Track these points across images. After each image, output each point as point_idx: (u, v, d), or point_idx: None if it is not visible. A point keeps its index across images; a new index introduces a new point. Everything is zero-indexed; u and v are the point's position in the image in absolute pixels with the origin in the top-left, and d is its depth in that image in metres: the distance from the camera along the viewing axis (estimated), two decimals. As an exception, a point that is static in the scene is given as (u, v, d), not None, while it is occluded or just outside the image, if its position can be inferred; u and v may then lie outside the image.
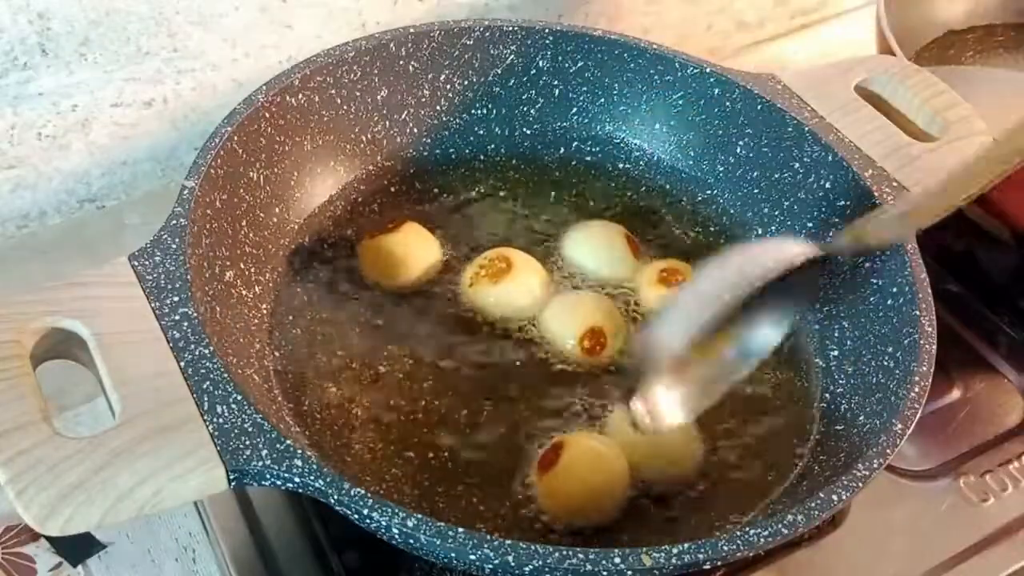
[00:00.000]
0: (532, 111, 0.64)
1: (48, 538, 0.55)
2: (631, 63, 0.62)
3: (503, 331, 0.54)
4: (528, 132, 0.65)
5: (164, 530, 0.56)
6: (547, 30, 0.62)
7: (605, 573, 0.37)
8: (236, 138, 0.52)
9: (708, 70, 0.61)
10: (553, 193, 0.62)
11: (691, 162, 0.64)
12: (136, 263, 0.45)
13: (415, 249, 0.57)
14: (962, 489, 0.55)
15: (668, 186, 0.64)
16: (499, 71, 0.63)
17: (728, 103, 0.61)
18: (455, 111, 0.63)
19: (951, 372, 0.61)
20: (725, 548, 0.38)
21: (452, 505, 0.47)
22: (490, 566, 0.38)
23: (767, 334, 0.49)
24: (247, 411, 0.40)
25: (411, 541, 0.38)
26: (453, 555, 0.38)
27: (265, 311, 0.53)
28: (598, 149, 0.65)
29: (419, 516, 0.38)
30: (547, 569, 0.37)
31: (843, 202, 0.56)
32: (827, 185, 0.57)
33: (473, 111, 0.63)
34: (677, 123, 0.64)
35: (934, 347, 0.47)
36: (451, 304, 0.55)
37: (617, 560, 0.37)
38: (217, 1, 0.64)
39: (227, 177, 0.51)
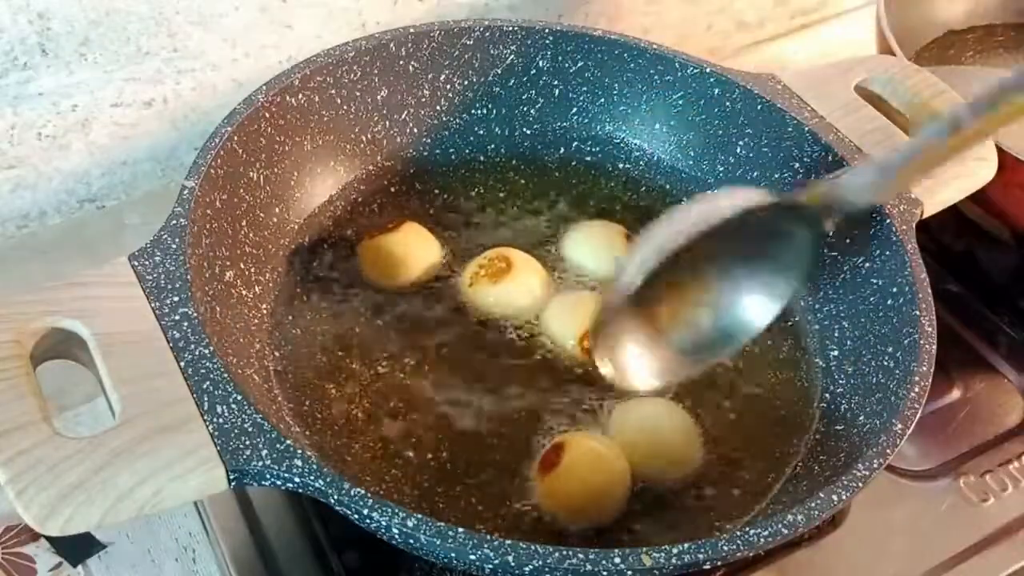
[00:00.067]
0: (532, 111, 0.64)
1: (48, 538, 0.55)
2: (631, 63, 0.62)
3: (503, 331, 0.54)
4: (528, 132, 0.65)
5: (164, 530, 0.56)
6: (547, 30, 0.62)
7: (605, 573, 0.37)
8: (236, 138, 0.52)
9: (708, 70, 0.61)
10: (553, 193, 0.62)
11: (691, 162, 0.64)
12: (136, 263, 0.45)
13: (415, 249, 0.57)
14: (962, 489, 0.55)
15: (668, 186, 0.64)
16: (499, 71, 0.63)
17: (728, 103, 0.61)
18: (455, 111, 0.63)
19: (951, 372, 0.61)
20: (725, 548, 0.38)
21: (452, 505, 0.47)
22: (490, 566, 0.38)
23: (753, 311, 0.49)
24: (247, 411, 0.40)
25: (411, 541, 0.38)
26: (453, 555, 0.38)
27: (265, 311, 0.53)
28: (598, 149, 0.65)
29: (419, 516, 0.38)
30: (547, 569, 0.37)
31: (843, 202, 0.55)
32: (827, 185, 0.57)
33: (473, 111, 0.63)
34: (677, 123, 0.64)
35: (934, 347, 0.47)
36: (451, 304, 0.55)
37: (617, 560, 0.37)
38: (217, 1, 0.64)
39: (227, 177, 0.51)
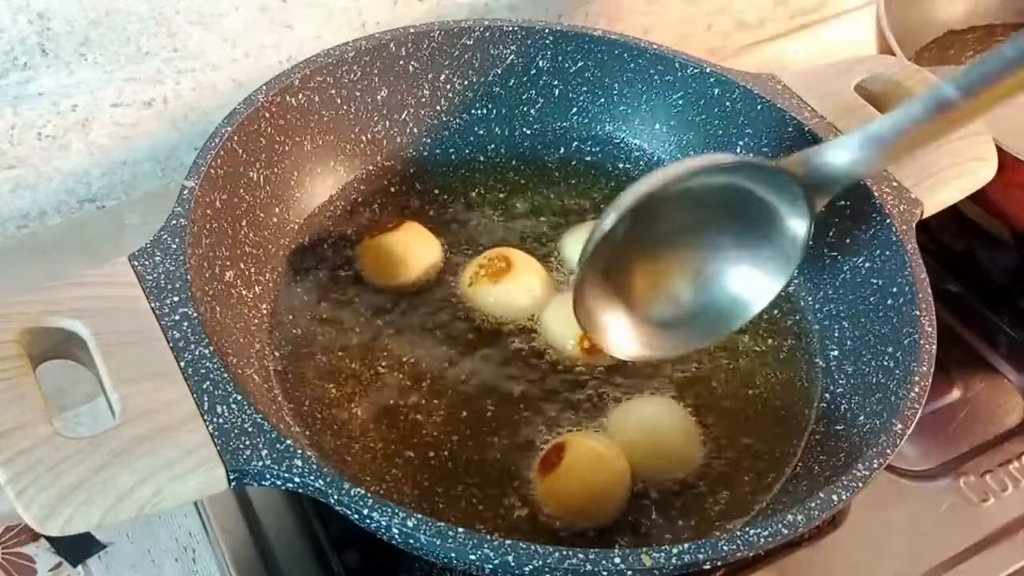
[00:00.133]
0: (532, 111, 0.64)
1: (48, 538, 0.55)
2: (631, 63, 0.62)
3: (503, 331, 0.54)
4: (528, 132, 0.65)
5: (164, 530, 0.56)
6: (547, 30, 0.62)
7: (605, 573, 0.37)
8: (236, 138, 0.52)
9: (708, 70, 0.61)
10: (553, 193, 0.63)
11: (691, 162, 0.64)
12: (136, 263, 0.45)
13: (415, 249, 0.57)
14: (962, 489, 0.55)
15: (668, 186, 0.63)
16: (499, 71, 0.63)
17: (728, 103, 0.61)
18: (455, 111, 0.63)
19: (951, 372, 0.61)
20: (725, 548, 0.38)
21: (452, 505, 0.47)
22: (490, 566, 0.38)
23: (747, 294, 0.49)
24: (247, 411, 0.40)
25: (411, 541, 0.38)
26: (453, 555, 0.38)
27: (265, 311, 0.53)
28: (598, 149, 0.65)
29: (419, 516, 0.38)
30: (547, 569, 0.37)
31: (843, 202, 0.55)
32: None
33: (473, 111, 0.63)
34: (677, 123, 0.64)
35: (934, 347, 0.47)
36: (451, 304, 0.55)
37: (617, 560, 0.37)
38: (217, 1, 0.64)
39: (227, 177, 0.51)
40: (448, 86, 0.62)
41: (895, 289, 0.51)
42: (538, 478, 0.48)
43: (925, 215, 0.54)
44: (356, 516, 0.39)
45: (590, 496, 0.47)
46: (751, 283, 0.50)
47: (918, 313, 0.49)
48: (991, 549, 0.53)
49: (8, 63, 0.61)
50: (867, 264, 0.54)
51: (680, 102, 0.63)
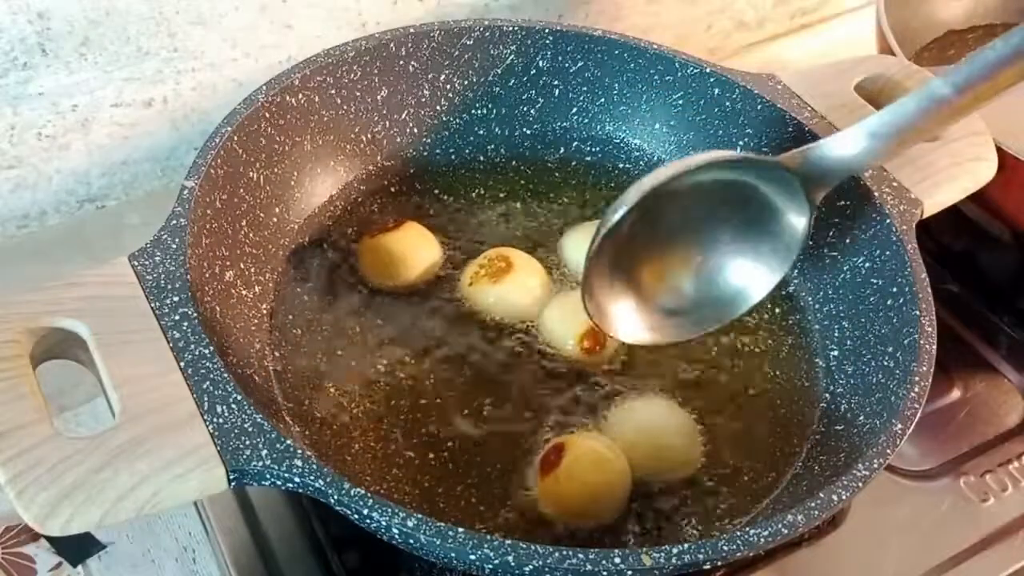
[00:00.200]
0: (532, 111, 0.64)
1: (48, 538, 0.55)
2: (631, 63, 0.62)
3: (503, 331, 0.54)
4: (528, 132, 0.65)
5: (164, 530, 0.56)
6: (547, 30, 0.62)
7: (605, 573, 0.37)
8: (236, 138, 0.52)
9: (708, 70, 0.61)
10: (553, 193, 0.63)
11: (691, 162, 0.64)
12: (136, 263, 0.45)
13: (415, 249, 0.57)
14: (962, 489, 0.55)
15: (668, 186, 0.64)
16: (499, 71, 0.63)
17: (728, 103, 0.61)
18: (455, 111, 0.63)
19: (951, 372, 0.61)
20: (725, 548, 0.38)
21: (452, 505, 0.47)
22: (490, 566, 0.38)
23: (747, 284, 0.50)
24: (247, 411, 0.40)
25: (411, 541, 0.38)
26: (453, 555, 0.38)
27: (265, 311, 0.53)
28: (598, 149, 0.65)
29: (419, 516, 0.38)
30: (547, 569, 0.37)
31: (843, 202, 0.56)
32: (827, 185, 0.57)
33: (473, 111, 0.63)
34: (677, 123, 0.64)
35: (934, 347, 0.47)
36: (451, 304, 0.55)
37: (617, 560, 0.37)
38: (217, 1, 0.64)
39: (227, 177, 0.51)
40: (448, 86, 0.62)
41: (895, 289, 0.51)
42: (538, 478, 0.48)
43: (925, 215, 0.54)
44: (356, 516, 0.39)
45: (590, 496, 0.47)
46: (753, 274, 0.50)
47: (918, 313, 0.49)
48: (991, 549, 0.53)
49: (8, 63, 0.61)
50: (867, 264, 0.54)
51: (680, 102, 0.63)
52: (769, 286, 0.50)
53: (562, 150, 0.65)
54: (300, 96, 0.56)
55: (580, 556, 0.37)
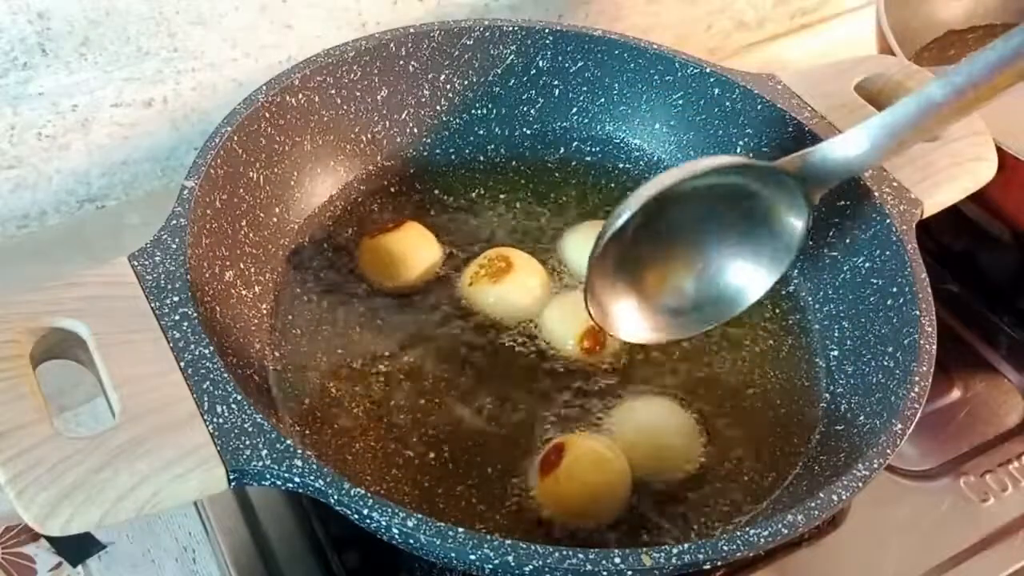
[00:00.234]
0: (532, 111, 0.64)
1: (48, 538, 0.55)
2: (631, 63, 0.62)
3: (503, 331, 0.54)
4: (528, 132, 0.65)
5: (164, 530, 0.56)
6: (547, 30, 0.62)
7: (605, 573, 0.37)
8: (236, 138, 0.52)
9: (708, 70, 0.61)
10: (553, 193, 0.63)
11: (691, 162, 0.64)
12: (136, 263, 0.45)
13: (415, 249, 0.57)
14: (962, 489, 0.55)
15: (668, 186, 0.64)
16: (499, 71, 0.63)
17: (728, 103, 0.61)
18: (455, 111, 0.63)
19: (951, 372, 0.61)
20: (725, 548, 0.38)
21: (452, 505, 0.47)
22: (490, 566, 0.38)
23: (746, 284, 0.50)
24: (247, 411, 0.40)
25: (411, 541, 0.38)
26: (453, 555, 0.38)
27: (265, 311, 0.53)
28: (598, 149, 0.65)
29: (419, 516, 0.38)
30: (547, 569, 0.37)
31: (843, 202, 0.56)
32: (827, 185, 0.57)
33: (473, 111, 0.63)
34: (677, 123, 0.64)
35: (934, 347, 0.47)
36: (451, 304, 0.55)
37: (617, 560, 0.37)
38: (217, 1, 0.64)
39: (227, 177, 0.51)
40: (448, 86, 0.62)
41: (895, 289, 0.51)
42: (538, 478, 0.48)
43: (925, 215, 0.54)
44: (356, 516, 0.39)
45: (590, 496, 0.47)
46: (753, 272, 0.51)
47: (918, 313, 0.49)
48: (991, 549, 0.53)
49: (8, 63, 0.61)
50: (867, 264, 0.54)
51: (680, 102, 0.63)
52: (768, 284, 0.51)
53: (562, 150, 0.65)
54: (300, 96, 0.56)
55: (580, 556, 0.37)
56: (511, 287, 0.55)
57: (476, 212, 0.61)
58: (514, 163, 0.64)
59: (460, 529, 0.38)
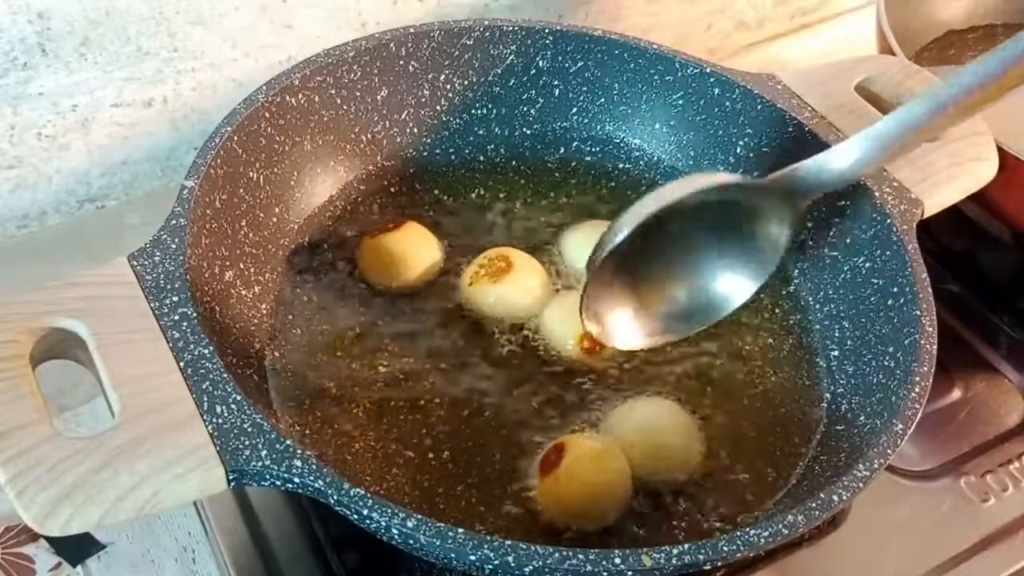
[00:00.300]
0: (532, 111, 0.64)
1: (48, 538, 0.55)
2: (631, 63, 0.62)
3: (503, 331, 0.54)
4: (528, 132, 0.65)
5: (164, 530, 0.56)
6: (547, 30, 0.62)
7: (605, 573, 0.37)
8: (236, 138, 0.52)
9: (708, 70, 0.61)
10: (553, 193, 0.62)
11: (691, 162, 0.64)
12: (136, 263, 0.45)
13: (415, 249, 0.57)
14: (962, 489, 0.55)
15: (668, 186, 0.64)
16: (499, 71, 0.63)
17: (728, 103, 0.61)
18: (455, 111, 0.63)
19: (951, 372, 0.61)
20: (725, 548, 0.38)
21: (452, 505, 0.47)
22: (490, 566, 0.38)
23: (731, 289, 0.51)
24: (247, 411, 0.40)
25: (411, 541, 0.38)
26: (453, 555, 0.38)
27: (265, 311, 0.53)
28: (598, 149, 0.65)
29: (419, 516, 0.38)
30: (547, 569, 0.37)
31: (843, 202, 0.56)
32: (827, 185, 0.57)
33: (473, 111, 0.63)
34: (677, 123, 0.64)
35: (934, 347, 0.47)
36: (451, 304, 0.55)
37: (617, 560, 0.37)
38: (217, 1, 0.64)
39: (227, 177, 0.51)
40: (448, 86, 0.62)
41: (895, 289, 0.51)
42: (538, 478, 0.48)
43: (925, 215, 0.54)
44: (356, 516, 0.39)
45: (590, 496, 0.47)
46: (741, 277, 0.51)
47: (918, 313, 0.49)
48: (991, 549, 0.53)
49: (8, 63, 0.61)
50: (867, 264, 0.54)
51: (680, 102, 0.63)
52: (756, 287, 0.51)
53: (562, 150, 0.65)
54: (300, 96, 0.56)
55: (580, 556, 0.37)
56: (511, 287, 0.55)
57: (476, 212, 0.61)
58: (514, 163, 0.64)
59: (460, 529, 0.38)
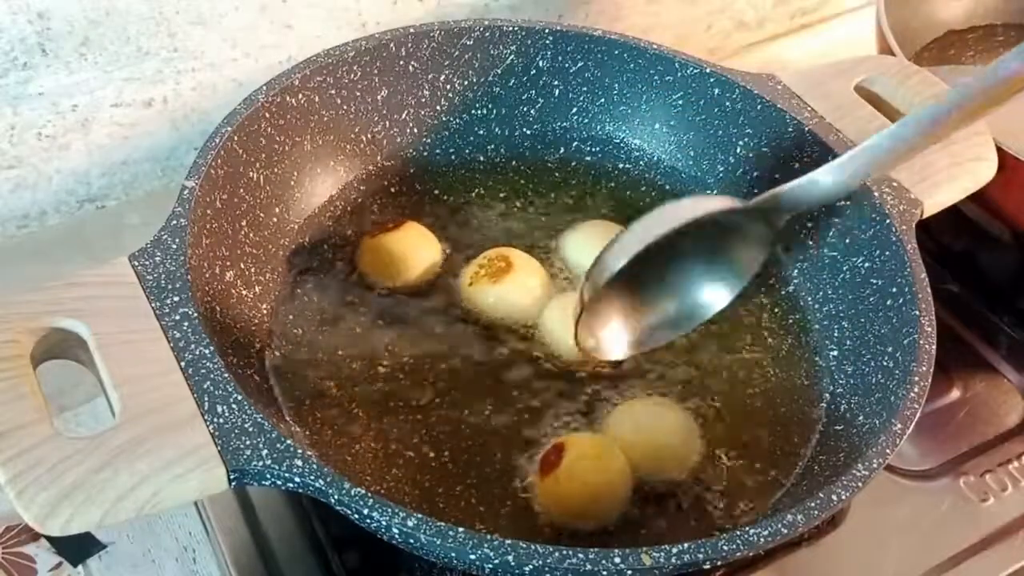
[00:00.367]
0: (532, 111, 0.64)
1: (48, 538, 0.55)
2: (631, 63, 0.62)
3: (503, 331, 0.54)
4: (528, 132, 0.65)
5: (164, 530, 0.56)
6: (547, 30, 0.62)
7: (605, 573, 0.37)
8: (236, 138, 0.52)
9: (708, 70, 0.61)
10: (553, 193, 0.63)
11: (691, 162, 0.64)
12: (136, 263, 0.45)
13: (415, 249, 0.57)
14: (962, 489, 0.55)
15: (668, 186, 0.64)
16: (499, 71, 0.63)
17: (728, 103, 0.61)
18: (455, 111, 0.63)
19: (951, 372, 0.61)
20: (725, 548, 0.38)
21: (452, 505, 0.47)
22: (490, 566, 0.38)
23: (713, 298, 0.52)
24: (247, 411, 0.40)
25: (411, 541, 0.38)
26: (453, 555, 0.38)
27: (265, 311, 0.53)
28: (598, 149, 0.65)
29: (419, 516, 0.38)
30: (547, 569, 0.37)
31: (843, 202, 0.56)
32: (827, 185, 0.57)
33: (473, 111, 0.63)
34: (677, 123, 0.64)
35: (934, 347, 0.47)
36: (451, 304, 0.55)
37: (617, 560, 0.37)
38: (217, 1, 0.64)
39: (227, 177, 0.51)
40: (448, 86, 0.62)
41: (895, 289, 0.51)
42: (538, 478, 0.48)
43: (925, 215, 0.54)
44: (356, 516, 0.39)
45: (590, 496, 0.47)
46: (721, 284, 0.52)
47: (918, 313, 0.49)
48: (991, 549, 0.53)
49: (8, 63, 0.61)
50: (867, 264, 0.54)
51: (680, 102, 0.63)
52: (735, 293, 0.52)
53: (562, 150, 0.65)
54: (300, 96, 0.56)
55: (580, 556, 0.37)
56: (511, 287, 0.55)
57: (476, 212, 0.61)
58: (514, 163, 0.64)
59: (460, 529, 0.38)
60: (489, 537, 0.38)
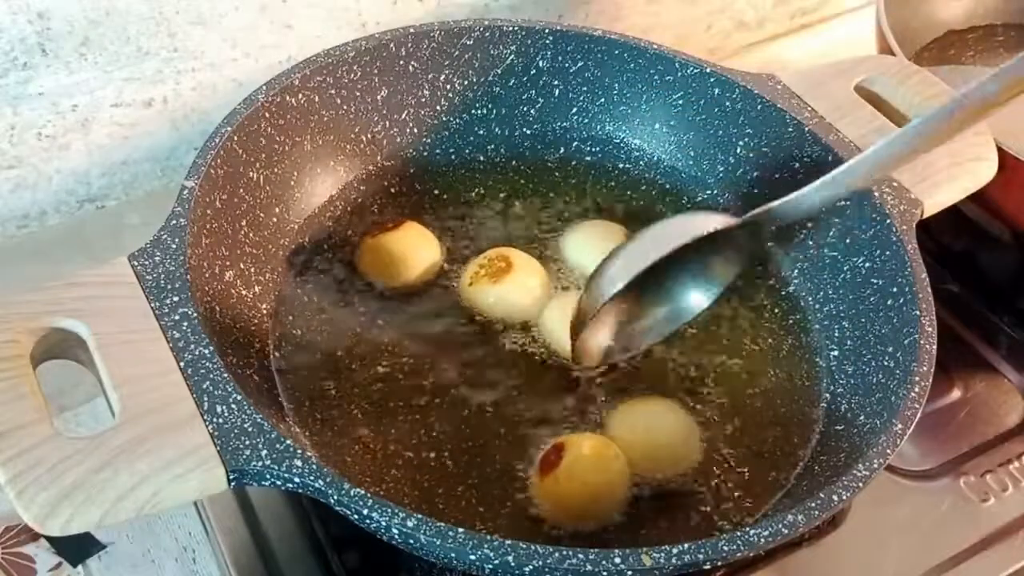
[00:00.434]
0: (532, 111, 0.64)
1: (48, 538, 0.55)
2: (631, 63, 0.62)
3: (503, 331, 0.54)
4: (528, 132, 0.65)
5: (164, 530, 0.56)
6: (547, 30, 0.62)
7: (605, 573, 0.37)
8: (236, 138, 0.52)
9: (708, 70, 0.61)
10: (553, 193, 0.63)
11: (691, 162, 0.64)
12: (136, 263, 0.45)
13: (415, 249, 0.57)
14: (962, 489, 0.55)
15: (668, 186, 0.64)
16: (499, 71, 0.63)
17: (728, 103, 0.61)
18: (455, 111, 0.63)
19: (951, 372, 0.61)
20: (725, 548, 0.38)
21: (452, 505, 0.47)
22: (490, 566, 0.38)
23: (698, 301, 0.54)
24: (247, 411, 0.40)
25: (411, 541, 0.38)
26: (453, 555, 0.38)
27: (265, 311, 0.53)
28: (598, 149, 0.65)
29: (419, 516, 0.38)
30: (547, 569, 0.37)
31: (843, 202, 0.56)
32: (827, 185, 0.57)
33: (473, 111, 0.63)
34: (677, 123, 0.64)
35: (934, 347, 0.47)
36: (451, 304, 0.55)
37: (617, 560, 0.37)
38: (217, 1, 0.64)
39: (227, 177, 0.51)
40: (448, 86, 0.62)
41: (895, 289, 0.51)
42: (537, 478, 0.48)
43: (925, 215, 0.54)
44: (356, 516, 0.39)
45: (590, 496, 0.47)
46: (707, 288, 0.54)
47: (918, 313, 0.49)
48: (991, 549, 0.53)
49: (8, 63, 0.61)
50: (867, 264, 0.54)
51: (680, 102, 0.63)
52: (716, 295, 0.54)
53: (562, 150, 0.65)
54: (300, 96, 0.56)
55: (580, 556, 0.37)
56: (511, 287, 0.55)
57: (476, 212, 0.61)
58: (514, 163, 0.64)
59: (460, 529, 0.38)
60: (489, 537, 0.38)
